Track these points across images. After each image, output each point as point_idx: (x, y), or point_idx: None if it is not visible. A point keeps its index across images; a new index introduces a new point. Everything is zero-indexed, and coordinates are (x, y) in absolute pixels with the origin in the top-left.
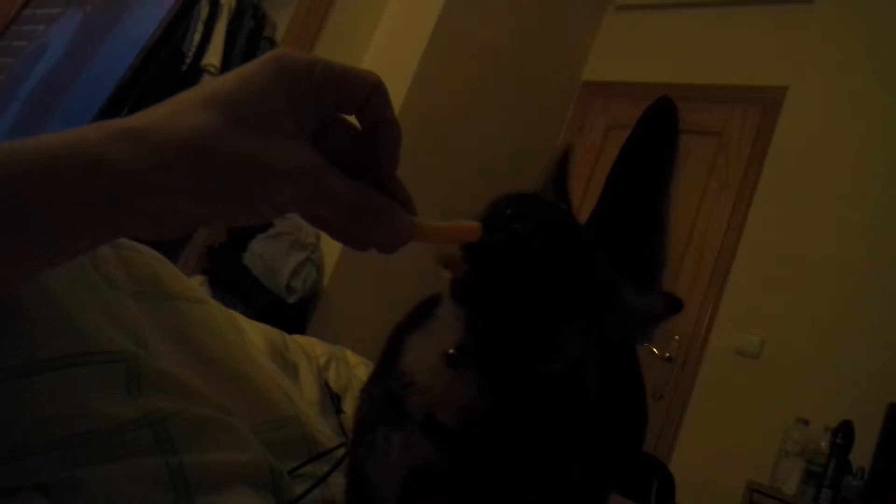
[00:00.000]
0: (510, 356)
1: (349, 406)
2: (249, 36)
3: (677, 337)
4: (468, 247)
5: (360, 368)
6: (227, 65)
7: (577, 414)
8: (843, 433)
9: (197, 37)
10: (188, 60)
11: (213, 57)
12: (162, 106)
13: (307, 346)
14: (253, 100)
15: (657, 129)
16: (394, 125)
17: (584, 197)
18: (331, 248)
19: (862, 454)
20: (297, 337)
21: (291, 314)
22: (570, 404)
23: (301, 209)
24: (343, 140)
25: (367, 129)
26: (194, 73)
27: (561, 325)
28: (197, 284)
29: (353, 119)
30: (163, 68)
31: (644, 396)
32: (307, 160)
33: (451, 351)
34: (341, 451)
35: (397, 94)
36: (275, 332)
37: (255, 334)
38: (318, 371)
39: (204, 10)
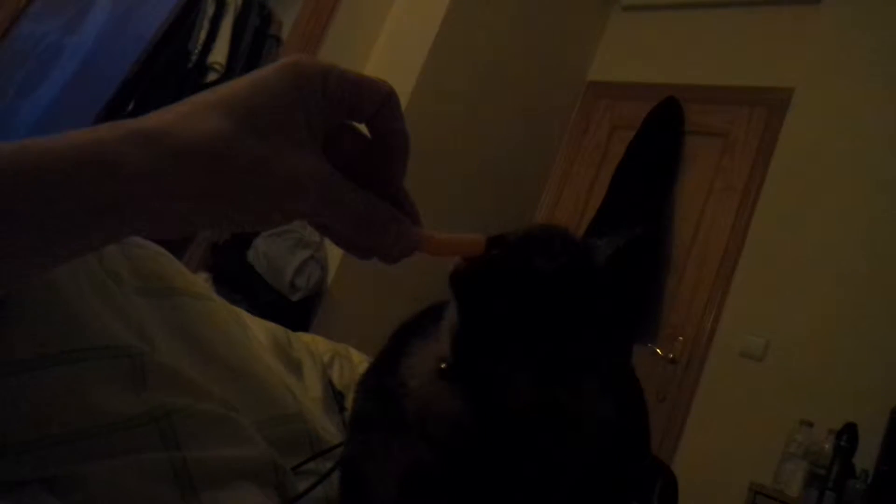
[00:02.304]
0: (480, 376)
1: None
2: (255, 34)
3: (681, 338)
4: (491, 243)
5: (363, 366)
6: (232, 62)
7: (558, 443)
8: (847, 436)
9: (203, 34)
10: (194, 58)
11: (218, 54)
12: (175, 108)
13: (311, 344)
14: (267, 106)
15: (662, 129)
16: (403, 135)
17: (589, 196)
18: (335, 247)
19: (865, 457)
20: (300, 334)
21: (295, 312)
22: (546, 436)
23: (309, 218)
24: (352, 147)
25: (376, 138)
26: (200, 71)
27: (506, 368)
28: (202, 281)
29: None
30: (168, 65)
31: (646, 420)
32: (317, 169)
33: (444, 365)
34: None
35: (402, 93)
36: (279, 329)
37: (259, 331)
38: (321, 369)
39: (210, 8)
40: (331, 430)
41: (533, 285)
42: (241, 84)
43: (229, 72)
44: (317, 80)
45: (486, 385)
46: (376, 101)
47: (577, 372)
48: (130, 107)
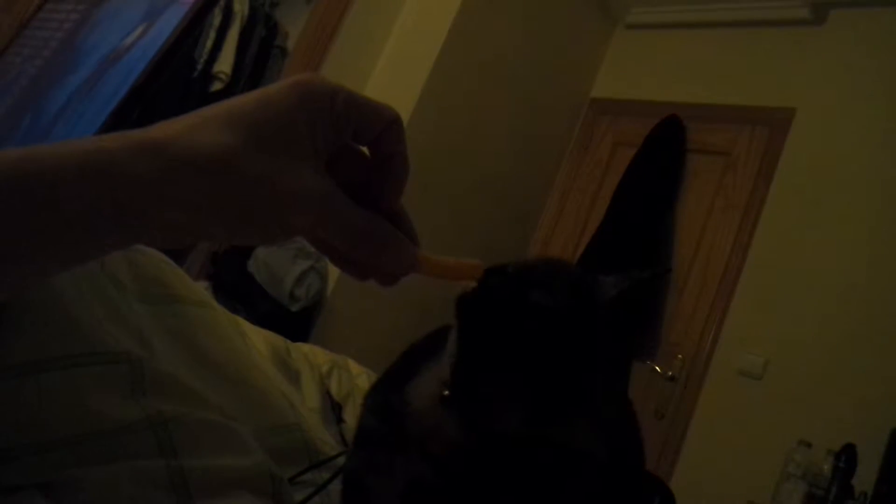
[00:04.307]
0: (474, 405)
1: (350, 415)
2: (261, 44)
3: (680, 356)
4: (492, 273)
5: (361, 378)
6: (237, 72)
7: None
8: (846, 457)
9: (209, 43)
10: (199, 67)
11: (223, 64)
12: (181, 120)
13: (310, 354)
14: (272, 121)
15: (664, 147)
16: (404, 159)
17: (591, 213)
18: None
19: (864, 479)
20: (299, 345)
21: (294, 322)
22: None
23: (311, 233)
24: (353, 168)
25: (377, 160)
26: (205, 79)
27: (501, 399)
28: (202, 289)
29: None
30: (174, 73)
31: (641, 449)
32: (321, 186)
33: (446, 392)
34: (342, 460)
35: (406, 107)
36: (278, 339)
37: (259, 340)
38: (320, 379)
39: (216, 18)
40: (328, 441)
41: (531, 321)
42: (248, 99)
43: (234, 81)
44: (325, 100)
45: (480, 414)
46: (381, 124)
47: (570, 409)
48: (135, 115)
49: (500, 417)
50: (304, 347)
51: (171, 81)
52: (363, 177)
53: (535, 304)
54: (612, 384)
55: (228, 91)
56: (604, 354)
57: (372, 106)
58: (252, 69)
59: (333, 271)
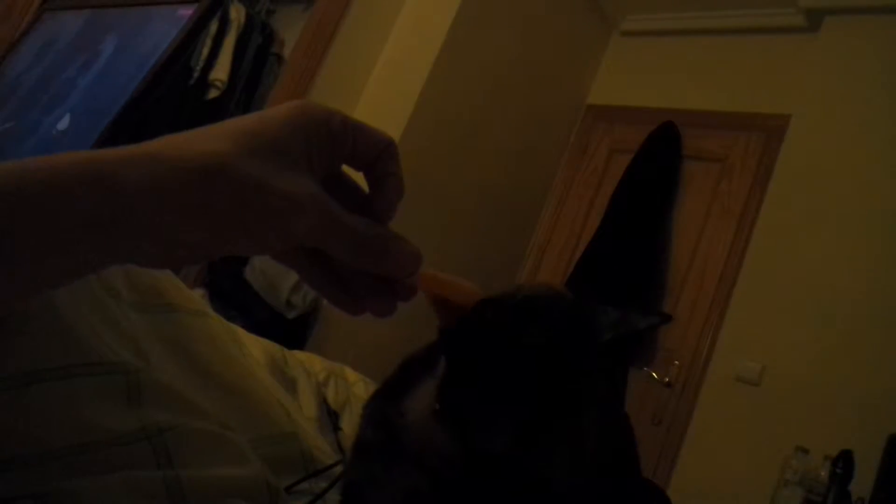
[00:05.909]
0: (462, 424)
1: (347, 423)
2: (257, 52)
3: (677, 362)
4: (486, 305)
5: (358, 386)
6: (234, 80)
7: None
8: (844, 463)
9: (205, 51)
10: (196, 74)
11: (220, 72)
12: (178, 134)
13: (306, 362)
14: (269, 134)
15: (660, 153)
16: (399, 181)
17: (587, 219)
18: None
19: (862, 484)
20: (296, 353)
21: (290, 330)
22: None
23: (309, 239)
24: (346, 197)
25: (372, 183)
26: (201, 87)
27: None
28: (198, 297)
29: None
30: (170, 82)
31: (636, 459)
32: (316, 192)
33: (437, 406)
34: (339, 469)
35: (402, 114)
36: (274, 347)
37: (255, 348)
38: (316, 387)
39: (213, 26)
40: (325, 450)
41: (520, 358)
42: (247, 117)
43: (230, 89)
44: (321, 119)
45: (468, 433)
46: (377, 147)
47: (553, 443)
48: (133, 123)
49: (486, 438)
50: (301, 355)
51: (168, 89)
52: (357, 207)
53: (528, 344)
54: (603, 417)
55: (225, 98)
56: (596, 391)
57: (367, 129)
58: (248, 77)
59: None
